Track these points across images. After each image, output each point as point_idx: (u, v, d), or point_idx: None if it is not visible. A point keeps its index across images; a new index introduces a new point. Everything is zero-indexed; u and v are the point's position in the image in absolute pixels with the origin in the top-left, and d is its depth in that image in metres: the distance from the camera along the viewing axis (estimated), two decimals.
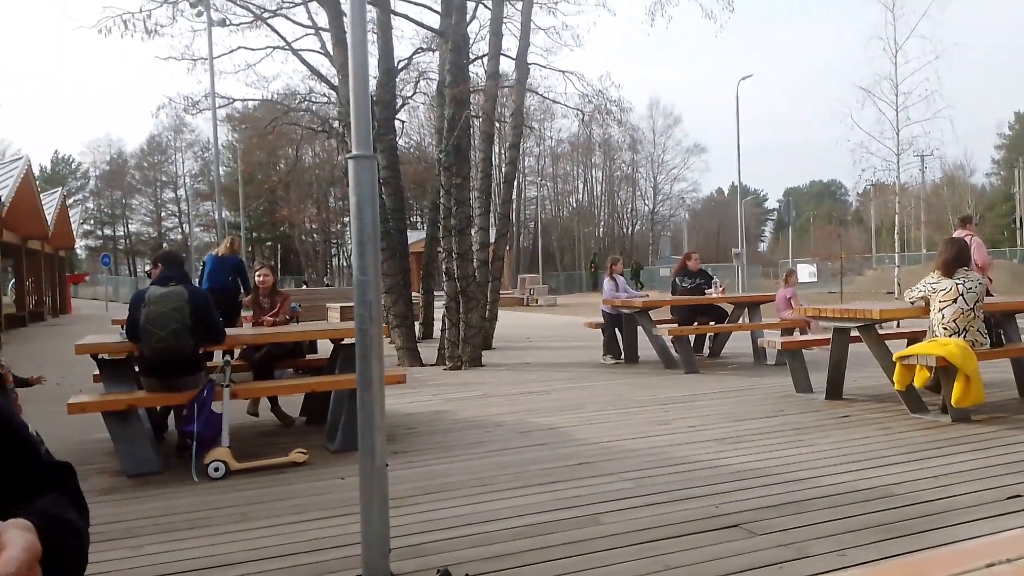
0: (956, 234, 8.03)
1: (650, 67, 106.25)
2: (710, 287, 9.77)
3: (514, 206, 60.70)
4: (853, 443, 4.85)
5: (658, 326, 9.21)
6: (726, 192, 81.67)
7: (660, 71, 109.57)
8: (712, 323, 9.82)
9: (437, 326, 12.87)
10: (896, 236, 23.99)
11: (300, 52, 14.27)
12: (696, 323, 9.69)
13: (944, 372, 5.35)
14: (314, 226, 68.51)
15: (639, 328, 9.47)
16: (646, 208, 71.54)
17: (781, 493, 3.79)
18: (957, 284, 5.60)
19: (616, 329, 9.81)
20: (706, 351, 10.19)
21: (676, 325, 9.53)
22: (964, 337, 5.48)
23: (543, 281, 40.65)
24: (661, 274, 48.15)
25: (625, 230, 72.70)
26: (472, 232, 10.52)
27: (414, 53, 16.41)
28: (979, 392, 5.30)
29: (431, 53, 16.49)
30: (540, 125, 60.19)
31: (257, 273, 6.87)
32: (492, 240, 12.26)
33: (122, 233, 72.53)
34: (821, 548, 3.03)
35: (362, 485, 2.85)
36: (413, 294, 13.10)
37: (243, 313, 6.79)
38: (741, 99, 31.91)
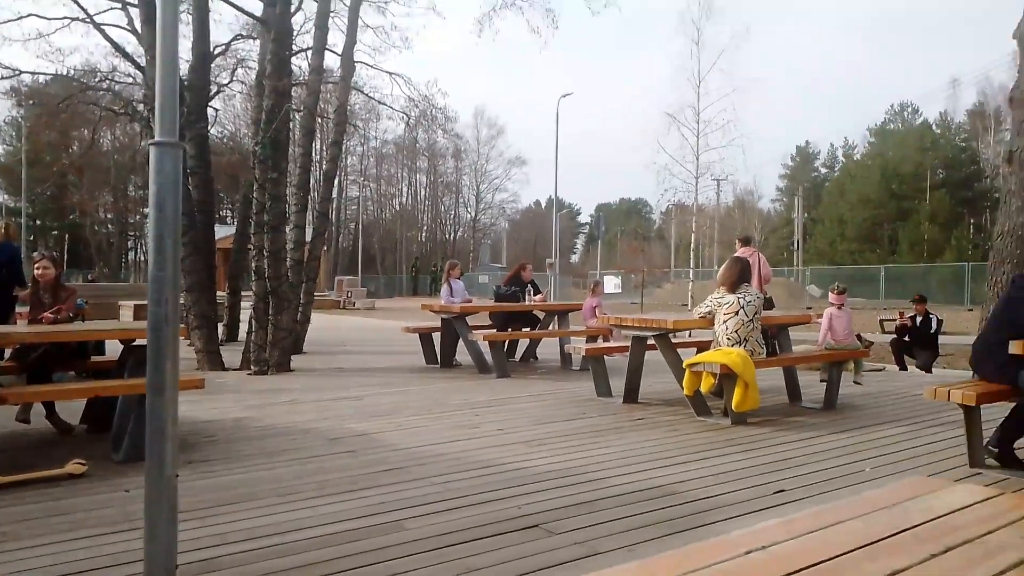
0: (738, 252, 8.85)
1: (477, 77, 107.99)
2: (531, 296, 10.08)
3: (334, 205, 59.28)
4: (645, 444, 5.19)
5: (473, 331, 9.36)
6: (543, 204, 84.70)
7: (487, 81, 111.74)
8: (526, 329, 10.14)
9: (243, 328, 12.27)
10: (692, 253, 26.03)
11: (103, 27, 13.09)
12: (511, 329, 9.97)
13: (726, 378, 5.86)
14: (109, 216, 62.92)
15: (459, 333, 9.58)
16: (468, 215, 72.61)
17: (578, 493, 3.98)
18: (739, 298, 6.17)
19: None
20: (518, 356, 10.51)
21: (493, 331, 9.75)
22: (744, 347, 6.04)
23: (362, 284, 39.97)
24: (480, 281, 49.02)
25: (448, 236, 73.26)
26: (287, 230, 10.14)
27: (233, 39, 15.63)
28: (755, 397, 5.87)
29: (251, 41, 15.77)
30: (365, 124, 59.24)
31: (37, 265, 6.16)
32: (308, 239, 11.88)
33: None
34: (611, 545, 3.21)
35: (147, 496, 2.65)
36: (218, 294, 12.39)
37: (18, 309, 6.08)
38: (562, 116, 33.22)
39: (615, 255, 58.70)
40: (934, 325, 9.99)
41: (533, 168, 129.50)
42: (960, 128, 57.30)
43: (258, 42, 14.02)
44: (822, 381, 7.13)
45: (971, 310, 22.29)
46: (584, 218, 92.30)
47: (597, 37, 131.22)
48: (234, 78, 17.59)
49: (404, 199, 71.83)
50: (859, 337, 10.65)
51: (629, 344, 6.97)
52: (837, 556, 1.20)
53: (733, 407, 5.83)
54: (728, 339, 6.13)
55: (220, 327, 12.29)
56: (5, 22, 14.71)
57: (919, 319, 9.97)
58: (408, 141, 59.88)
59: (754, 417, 6.08)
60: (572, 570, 2.95)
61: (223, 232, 24.75)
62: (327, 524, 3.52)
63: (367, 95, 19.39)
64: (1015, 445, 4.56)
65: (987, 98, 52.41)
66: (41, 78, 17.16)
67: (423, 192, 72.55)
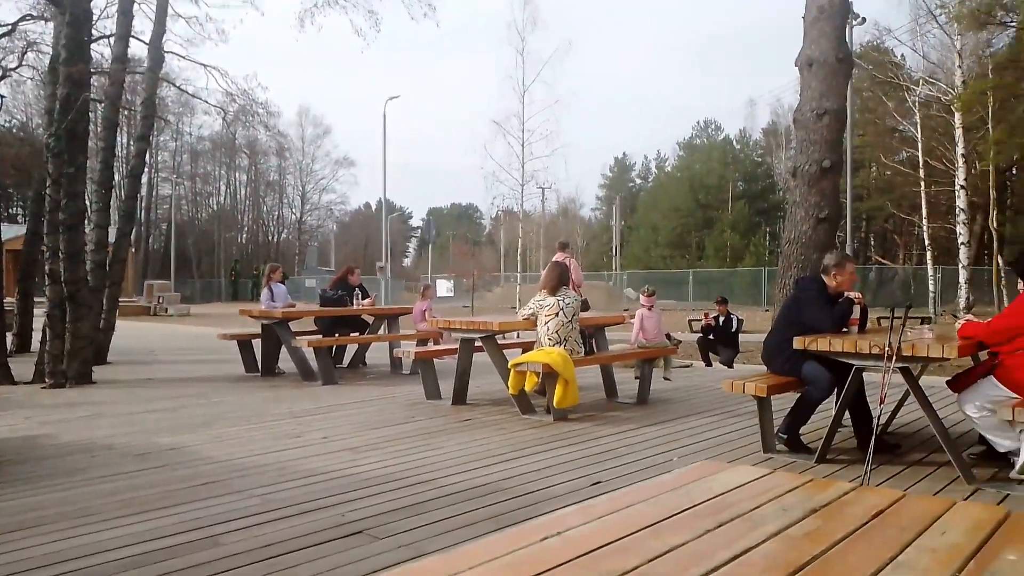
0: (557, 257, 9.22)
1: (302, 75, 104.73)
2: (359, 299, 9.87)
3: (143, 204, 55.09)
4: (473, 444, 5.27)
5: (297, 338, 9.06)
6: (374, 207, 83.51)
7: (312, 80, 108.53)
8: (354, 334, 9.95)
9: (37, 338, 11.13)
10: (519, 257, 26.73)
11: None
12: (338, 334, 9.74)
13: (548, 377, 6.08)
14: None
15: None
16: (293, 216, 70.05)
17: (405, 496, 3.97)
18: (559, 300, 6.42)
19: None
20: (346, 362, 10.29)
21: (318, 337, 9.48)
22: (564, 346, 6.30)
23: (175, 288, 37.49)
24: (307, 285, 47.49)
25: (271, 238, 70.25)
26: (86, 230, 9.31)
27: (21, 19, 14.09)
28: (575, 394, 6.13)
29: (44, 22, 14.32)
30: (177, 119, 55.67)
31: None
32: (112, 240, 10.99)
33: None
34: (438, 544, 3.23)
35: None
36: (6, 300, 11.15)
37: None
38: (392, 119, 32.99)
39: (447, 259, 59.00)
40: (735, 324, 10.90)
41: (362, 170, 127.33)
42: (757, 144, 62.90)
43: (51, 24, 12.78)
44: (636, 378, 7.58)
45: (767, 310, 24.57)
46: (416, 222, 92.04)
47: (426, 41, 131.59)
48: (23, 62, 15.91)
49: (222, 198, 68.08)
50: (668, 336, 11.41)
51: (458, 347, 7.05)
52: (625, 536, 1.30)
53: (555, 404, 6.06)
54: (549, 339, 6.36)
55: (9, 337, 11.06)
56: None
57: (721, 319, 10.84)
58: (226, 137, 56.88)
59: (575, 413, 6.35)
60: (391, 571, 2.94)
61: (12, 232, 22.38)
62: (134, 544, 3.27)
63: (179, 88, 18.25)
64: (801, 432, 5.08)
65: (779, 118, 57.93)
66: None
67: (243, 191, 69.12)
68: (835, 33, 9.21)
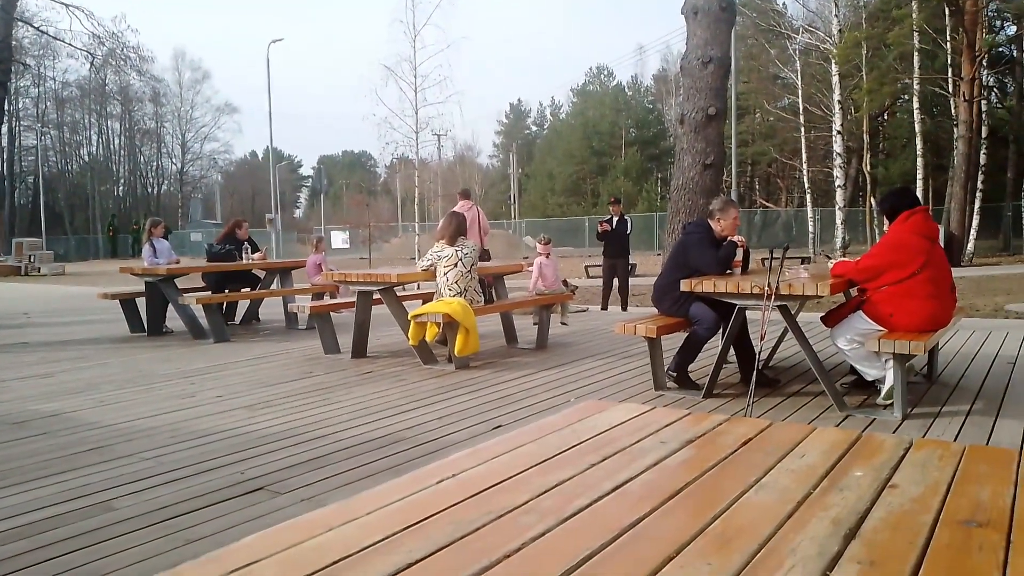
0: (459, 206, 9.19)
1: (175, 16, 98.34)
2: (248, 254, 9.54)
3: (4, 156, 51.00)
4: (374, 396, 5.28)
5: (185, 295, 8.72)
6: (260, 156, 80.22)
7: (186, 22, 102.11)
8: (245, 290, 9.65)
9: None
10: (416, 207, 26.42)
11: None
12: (228, 290, 9.43)
13: (449, 327, 6.13)
14: None
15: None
16: (174, 167, 66.58)
17: (305, 452, 3.95)
18: (456, 251, 6.44)
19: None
20: (238, 319, 9.99)
21: (208, 293, 9.15)
22: (464, 296, 6.35)
23: (47, 246, 35.14)
24: (192, 239, 45.46)
25: (150, 190, 66.63)
26: None
27: None
28: (475, 342, 6.21)
29: None
30: (39, 63, 51.35)
31: None
32: None
33: None
34: (339, 496, 3.23)
35: None
36: None
37: None
38: (278, 64, 31.57)
39: (341, 209, 57.67)
40: (629, 226, 11.09)
41: (246, 117, 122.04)
42: (648, 91, 64.06)
43: None
44: (535, 324, 7.73)
45: (659, 254, 25.42)
46: (306, 171, 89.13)
47: None
48: None
49: (94, 149, 63.75)
50: (565, 283, 11.65)
51: (355, 300, 6.97)
52: (515, 475, 1.37)
53: (456, 353, 6.12)
54: (449, 290, 6.39)
55: None
56: None
57: (615, 219, 10.97)
58: (95, 83, 53.02)
59: (476, 361, 6.44)
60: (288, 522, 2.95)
61: None
62: (17, 516, 3.14)
63: (37, 28, 16.88)
64: (690, 369, 5.35)
65: (669, 64, 59.15)
66: None
67: (117, 141, 64.92)
68: None
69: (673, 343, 5.61)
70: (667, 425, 1.75)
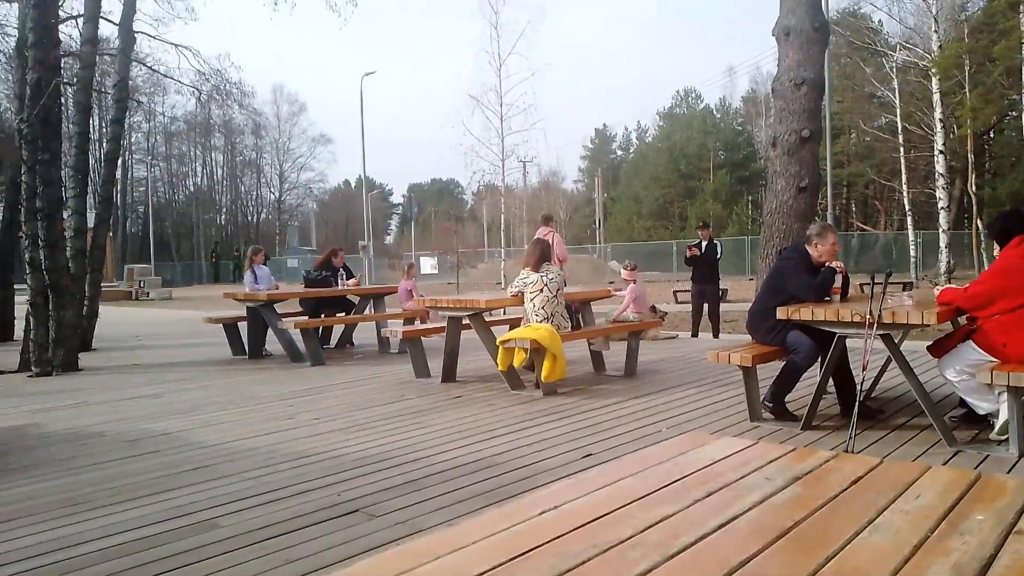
0: (540, 232, 9.24)
1: (275, 52, 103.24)
2: (344, 280, 9.86)
3: (118, 187, 54.40)
4: (464, 421, 5.32)
5: (284, 319, 9.05)
6: (353, 184, 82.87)
7: (285, 57, 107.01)
8: (340, 314, 9.95)
9: (20, 326, 11.04)
10: (503, 233, 26.71)
11: None
12: (323, 315, 9.74)
13: (536, 353, 6.14)
14: None
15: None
16: (272, 196, 69.49)
17: (399, 475, 4.01)
18: (542, 277, 6.46)
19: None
20: (334, 343, 10.30)
21: (305, 318, 9.47)
22: (551, 322, 6.35)
23: (156, 272, 37.15)
24: (289, 265, 47.21)
25: (250, 218, 69.72)
26: (64, 216, 9.22)
27: None
28: (563, 368, 6.20)
29: (8, 4, 14.01)
30: (150, 99, 54.80)
31: None
32: (91, 226, 10.88)
33: None
34: (434, 521, 3.28)
35: None
36: None
37: None
38: (369, 95, 32.69)
39: (430, 235, 58.83)
40: (719, 250, 10.85)
41: (340, 147, 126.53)
42: (737, 113, 62.94)
43: (15, 5, 12.51)
44: (591, 349, 7.55)
45: (751, 279, 24.78)
46: (396, 198, 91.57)
47: (401, 15, 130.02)
48: None
49: (199, 179, 67.36)
50: (654, 308, 11.49)
51: (445, 325, 7.08)
52: (618, 508, 1.35)
53: (543, 379, 6.12)
54: (536, 315, 6.41)
55: None
56: None
57: (704, 244, 10.74)
58: (200, 117, 56.10)
59: (563, 387, 6.42)
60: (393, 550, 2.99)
61: None
62: (127, 531, 3.30)
63: (151, 68, 17.99)
64: (786, 399, 5.17)
65: (758, 86, 57.97)
66: None
67: (220, 172, 68.42)
68: (810, 2, 9.21)
69: (769, 372, 5.44)
70: (772, 461, 1.69)
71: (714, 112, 62.71)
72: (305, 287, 10.09)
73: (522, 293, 6.56)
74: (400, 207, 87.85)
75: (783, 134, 9.13)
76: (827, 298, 5.13)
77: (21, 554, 3.07)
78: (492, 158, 24.20)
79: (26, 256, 8.82)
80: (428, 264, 40.98)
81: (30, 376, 8.38)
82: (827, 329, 4.71)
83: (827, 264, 5.17)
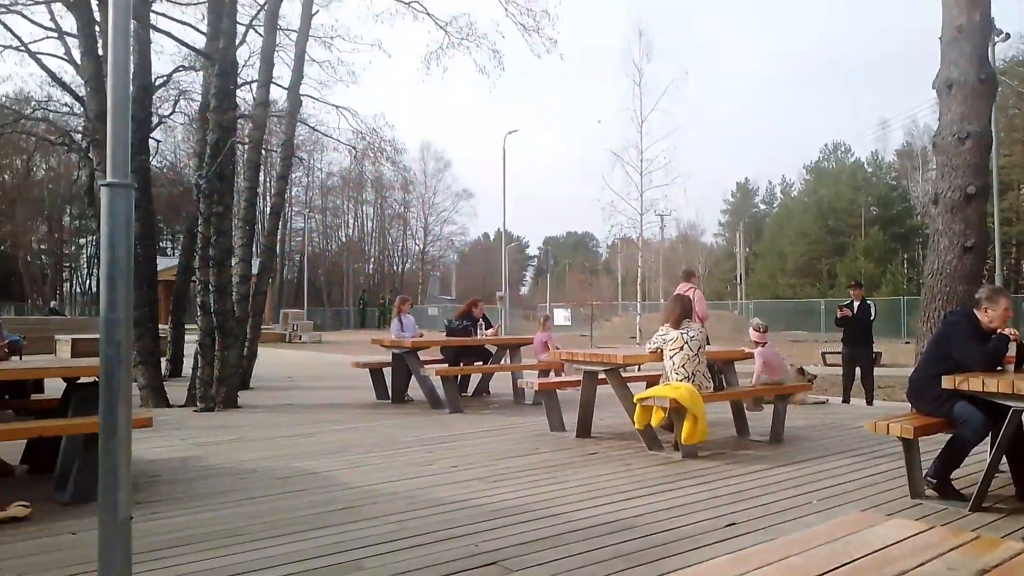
0: (680, 287, 9.06)
1: (423, 110, 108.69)
2: (483, 330, 10.10)
3: (279, 237, 58.50)
4: (600, 479, 5.24)
5: (426, 366, 9.33)
6: (492, 237, 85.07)
7: (433, 115, 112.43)
8: (478, 363, 10.15)
9: (188, 363, 11.99)
10: (639, 286, 26.44)
11: (39, 55, 12.83)
12: (463, 363, 9.97)
13: (676, 412, 5.98)
14: (43, 247, 60.91)
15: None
16: (417, 248, 72.44)
17: (536, 529, 4.00)
18: (682, 334, 6.32)
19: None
20: (471, 391, 10.49)
21: (445, 366, 9.73)
22: (692, 381, 6.18)
23: (308, 317, 39.40)
24: (429, 314, 48.82)
25: (396, 268, 72.90)
26: (232, 264, 10.01)
27: (175, 71, 15.47)
28: (704, 430, 5.99)
29: (194, 72, 15.63)
30: (310, 156, 58.88)
31: None
32: (254, 273, 11.74)
33: None
34: None
35: (102, 541, 2.59)
36: (160, 327, 12.10)
37: None
38: (509, 149, 33.67)
39: (564, 288, 59.13)
40: (872, 312, 10.18)
41: (481, 201, 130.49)
42: (890, 167, 59.78)
43: (200, 74, 13.91)
44: (748, 410, 7.31)
45: (908, 343, 23.13)
46: (532, 251, 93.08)
47: (544, 74, 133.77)
48: (176, 109, 17.41)
49: (350, 231, 71.43)
50: (802, 371, 10.94)
51: (580, 378, 7.05)
52: None
53: (683, 440, 5.93)
54: (676, 374, 6.26)
55: (163, 362, 11.99)
56: None
57: (856, 305, 10.12)
58: (354, 173, 59.70)
59: (704, 450, 6.20)
60: None
61: (164, 264, 24.25)
62: (280, 566, 3.46)
63: (313, 128, 19.42)
64: (952, 476, 4.74)
65: (914, 139, 54.99)
66: None
67: (370, 224, 72.28)
68: (976, 52, 8.69)
69: (931, 445, 5.03)
70: (953, 549, 1.55)
71: (865, 166, 59.91)
72: (447, 336, 10.39)
73: (661, 350, 6.44)
74: (536, 259, 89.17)
75: (946, 191, 8.58)
76: (999, 368, 4.71)
77: None
78: (631, 212, 24.21)
79: (198, 300, 9.63)
80: (561, 316, 41.14)
81: (195, 411, 9.05)
82: (1000, 402, 4.31)
83: (999, 331, 4.76)
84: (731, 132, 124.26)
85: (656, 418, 6.23)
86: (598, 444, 6.62)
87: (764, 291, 55.43)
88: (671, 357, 6.31)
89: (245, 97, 13.41)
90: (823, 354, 17.64)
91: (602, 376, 6.79)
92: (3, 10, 11.74)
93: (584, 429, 6.96)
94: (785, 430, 7.01)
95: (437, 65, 14.67)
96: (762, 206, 77.71)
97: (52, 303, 40.35)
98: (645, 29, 25.11)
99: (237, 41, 11.15)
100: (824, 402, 9.92)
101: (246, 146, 11.56)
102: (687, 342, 6.29)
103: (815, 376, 11.56)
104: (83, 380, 5.05)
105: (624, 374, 7.16)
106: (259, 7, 13.04)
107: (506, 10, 13.73)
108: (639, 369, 9.54)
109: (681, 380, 6.19)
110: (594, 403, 7.04)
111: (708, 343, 6.94)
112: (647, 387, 6.93)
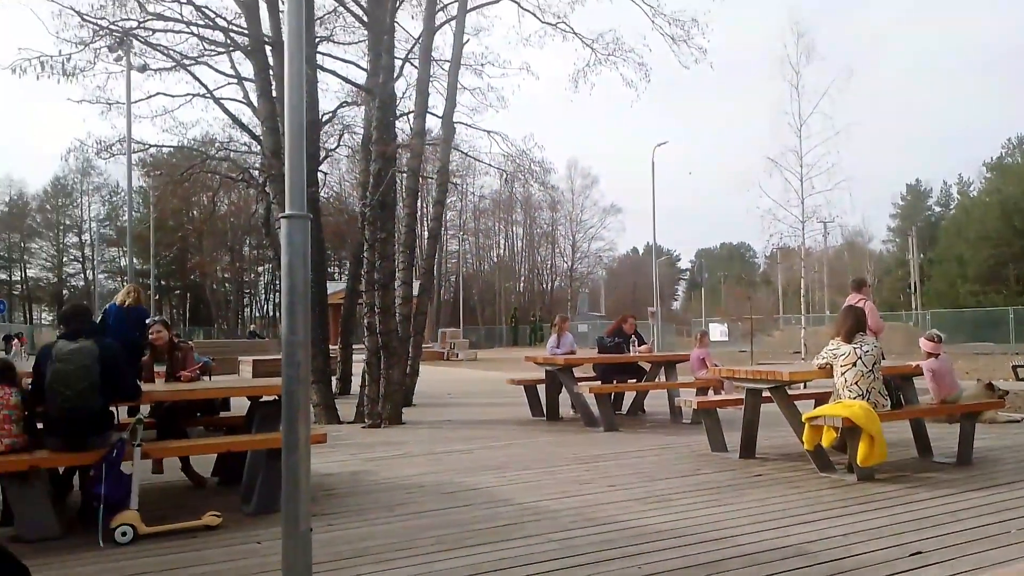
0: (850, 298, 8.51)
1: (570, 129, 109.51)
2: (635, 346, 9.97)
3: (436, 260, 60.80)
4: (768, 502, 5.00)
5: (579, 383, 9.33)
6: (641, 251, 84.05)
7: (579, 133, 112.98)
8: (631, 381, 10.02)
9: (355, 382, 12.67)
10: (802, 298, 25.12)
11: (221, 100, 14.12)
12: (615, 381, 9.87)
13: (849, 432, 5.60)
14: (226, 275, 66.69)
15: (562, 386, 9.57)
16: (565, 265, 72.80)
17: (700, 553, 3.87)
18: (855, 348, 5.92)
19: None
20: (625, 408, 10.37)
21: (598, 383, 9.69)
22: (867, 399, 5.78)
23: (464, 335, 40.57)
24: (579, 330, 48.82)
25: (545, 286, 73.66)
26: (395, 286, 10.49)
27: (339, 106, 16.50)
28: (882, 451, 5.57)
29: (356, 107, 16.62)
30: (463, 180, 60.81)
31: (151, 331, 6.58)
32: (415, 295, 12.24)
33: (19, 278, 68.67)
34: None
35: (285, 552, 2.78)
36: (331, 348, 12.88)
37: (156, 368, 6.48)
38: (656, 163, 33.20)
39: (719, 301, 57.31)
40: None
41: (629, 216, 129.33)
42: None
43: (362, 108, 14.76)
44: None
45: None
46: (684, 264, 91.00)
47: (692, 83, 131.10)
48: (340, 143, 18.54)
49: (501, 251, 72.93)
50: (991, 386, 9.98)
51: (742, 396, 6.78)
52: None
53: (859, 462, 5.55)
54: (848, 391, 5.88)
55: (334, 380, 12.73)
56: (137, 101, 16.15)
57: None
58: (505, 195, 60.99)
59: (882, 473, 5.77)
60: None
61: (332, 288, 25.80)
62: None
63: (465, 154, 20.01)
64: None
65: None
66: (165, 150, 18.54)
67: (519, 243, 73.49)
68: None
69: None
70: None
71: None
72: (599, 353, 10.34)
73: (830, 365, 6.08)
74: (688, 272, 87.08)
75: None
76: None
77: None
78: (791, 220, 23.07)
79: (364, 321, 10.17)
80: (718, 331, 39.82)
81: (363, 427, 9.53)
82: None
83: None
84: (899, 131, 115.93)
85: (827, 438, 5.86)
86: (763, 465, 6.33)
87: (942, 300, 51.04)
88: (842, 373, 5.94)
89: (403, 128, 14.08)
90: (1014, 367, 15.96)
91: (767, 394, 6.50)
92: (191, 62, 13.03)
93: (748, 449, 6.68)
94: (974, 451, 6.39)
95: (584, 83, 14.70)
96: (936, 208, 71.80)
97: (251, 327, 43.99)
98: (804, 30, 23.80)
99: (395, 75, 11.77)
100: (1018, 420, 8.97)
101: (405, 174, 12.11)
102: (860, 357, 5.89)
103: (1007, 392, 10.49)
104: (265, 399, 5.45)
105: (790, 391, 6.82)
106: (414, 41, 13.69)
107: (653, 22, 13.54)
108: (805, 386, 9.07)
109: (854, 398, 5.80)
110: (758, 422, 6.75)
111: (883, 358, 6.48)
112: (816, 405, 6.55)
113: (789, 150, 23.22)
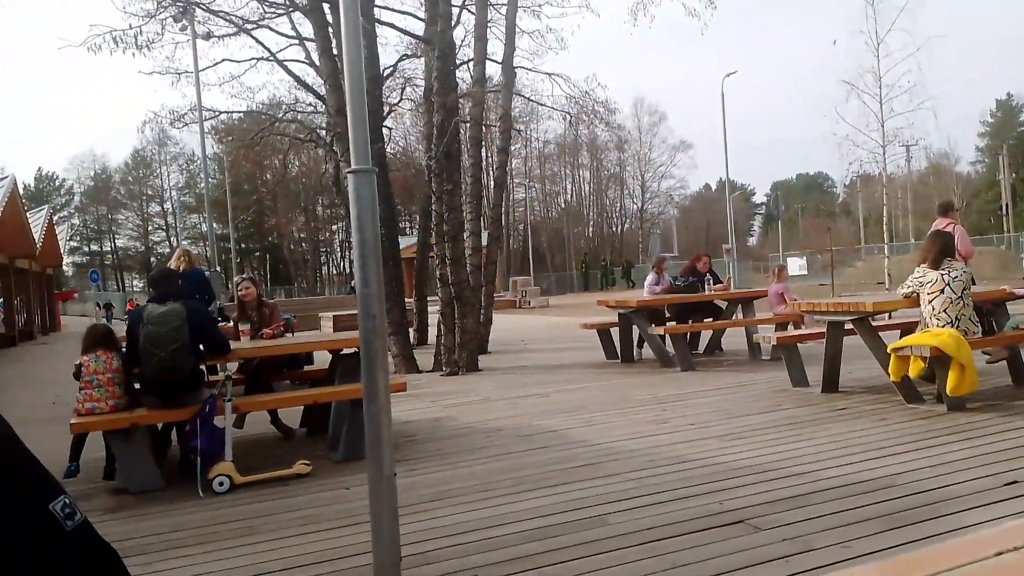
0: (937, 223, 8.11)
1: (633, 66, 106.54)
2: (711, 285, 9.79)
3: (503, 208, 60.80)
4: (851, 435, 4.90)
5: (654, 325, 9.26)
6: (714, 188, 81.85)
7: (644, 69, 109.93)
8: (707, 320, 9.88)
9: (431, 332, 12.91)
10: (884, 227, 24.12)
11: (285, 62, 14.29)
12: (691, 321, 9.75)
13: (938, 362, 5.41)
14: (302, 235, 68.41)
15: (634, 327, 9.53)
16: (635, 206, 71.67)
17: (783, 488, 3.83)
18: (943, 275, 5.67)
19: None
20: (702, 348, 10.26)
21: (673, 323, 9.59)
22: (956, 326, 5.55)
23: (534, 283, 40.66)
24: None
25: (615, 229, 72.79)
26: (464, 237, 10.55)
27: (399, 60, 16.48)
28: (973, 381, 5.36)
29: (416, 59, 16.55)
30: (526, 127, 60.06)
31: (239, 287, 6.81)
32: (484, 244, 12.30)
33: (109, 248, 72.22)
34: (826, 541, 3.07)
35: (371, 496, 2.88)
36: (407, 300, 13.11)
37: (242, 327, 6.74)
38: (726, 95, 32.11)
39: (797, 234, 55.57)
40: None
41: (699, 151, 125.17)
42: None
43: (422, 59, 14.69)
44: (989, 362, 6.52)
45: None
46: (759, 198, 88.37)
47: (755, 9, 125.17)
48: (403, 97, 18.55)
49: (569, 196, 72.15)
50: None
51: (823, 330, 6.61)
52: None
53: (949, 392, 5.35)
54: (936, 319, 5.65)
55: (411, 332, 13.00)
56: (204, 68, 16.50)
57: None
58: (569, 139, 60.13)
59: (973, 402, 5.56)
60: (783, 566, 2.85)
61: (404, 242, 26.17)
62: (529, 519, 3.63)
63: (527, 98, 19.76)
64: None
65: None
66: (235, 116, 18.97)
67: (587, 187, 72.50)
68: None
69: None
70: None
71: None
72: (672, 293, 10.21)
73: (917, 294, 5.85)
74: (763, 206, 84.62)
75: None
76: None
77: (448, 531, 3.57)
78: (871, 146, 22.00)
79: (436, 273, 10.30)
80: (796, 265, 38.74)
81: (442, 375, 9.74)
82: None
83: None
84: (987, 43, 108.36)
85: (914, 369, 5.67)
86: (847, 399, 6.18)
87: None
88: (930, 302, 5.71)
89: (463, 77, 13.96)
90: None
91: (849, 326, 6.31)
92: (253, 26, 13.19)
93: (831, 384, 6.53)
94: None
95: (644, 15, 14.19)
96: None
97: (351, 283, 45.21)
98: None
99: (453, 23, 11.63)
100: None
101: (468, 124, 12.06)
102: (949, 283, 5.64)
103: None
104: (346, 351, 5.61)
105: (874, 323, 6.60)
106: None
107: None
108: (890, 317, 8.77)
109: (943, 326, 5.58)
110: (841, 355, 6.58)
111: (974, 283, 6.20)
112: (902, 336, 6.33)
113: (866, 71, 22.05)
